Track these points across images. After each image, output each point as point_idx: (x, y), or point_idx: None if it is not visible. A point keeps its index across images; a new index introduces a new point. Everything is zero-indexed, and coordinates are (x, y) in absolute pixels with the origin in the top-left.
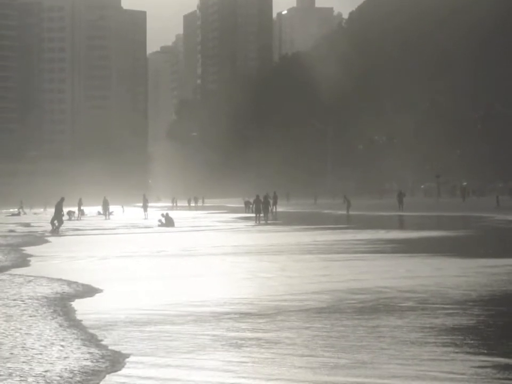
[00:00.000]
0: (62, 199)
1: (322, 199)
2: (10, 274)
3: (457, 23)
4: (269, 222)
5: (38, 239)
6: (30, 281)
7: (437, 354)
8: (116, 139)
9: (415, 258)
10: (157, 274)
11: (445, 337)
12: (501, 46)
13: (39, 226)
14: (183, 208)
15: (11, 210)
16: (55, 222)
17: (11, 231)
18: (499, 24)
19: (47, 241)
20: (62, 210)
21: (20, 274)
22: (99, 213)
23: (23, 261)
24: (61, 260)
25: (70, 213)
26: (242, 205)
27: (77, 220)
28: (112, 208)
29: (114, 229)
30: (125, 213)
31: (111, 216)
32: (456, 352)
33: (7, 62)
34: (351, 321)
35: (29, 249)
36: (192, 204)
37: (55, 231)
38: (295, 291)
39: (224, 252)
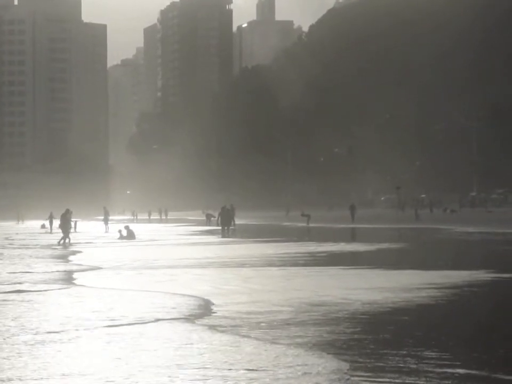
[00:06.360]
0: (67, 211)
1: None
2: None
3: (414, 35)
4: (229, 234)
5: (67, 251)
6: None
7: (399, 366)
8: (77, 151)
9: (374, 270)
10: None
11: (406, 348)
12: (461, 58)
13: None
14: (143, 221)
15: None
16: (67, 235)
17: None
18: (458, 36)
19: (80, 252)
20: (69, 222)
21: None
22: (43, 226)
23: (70, 275)
24: (115, 271)
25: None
26: (204, 218)
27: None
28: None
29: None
30: (76, 227)
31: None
32: (416, 364)
33: None
34: (313, 332)
35: (74, 259)
36: (154, 217)
37: (65, 243)
38: (258, 303)
39: (187, 264)
